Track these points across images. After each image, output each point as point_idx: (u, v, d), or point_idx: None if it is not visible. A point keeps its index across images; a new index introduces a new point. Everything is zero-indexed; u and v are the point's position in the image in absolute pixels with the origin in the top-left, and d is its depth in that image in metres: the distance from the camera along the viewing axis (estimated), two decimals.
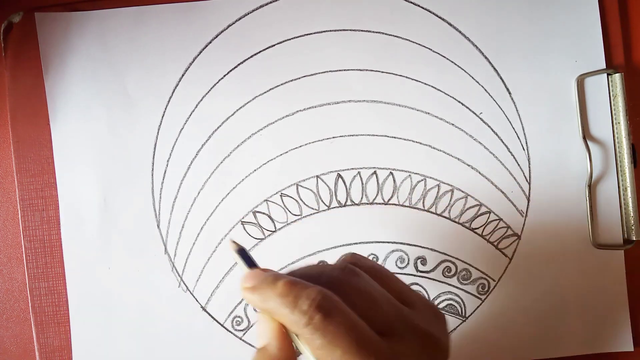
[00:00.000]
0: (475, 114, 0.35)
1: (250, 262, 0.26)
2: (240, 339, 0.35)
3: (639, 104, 0.36)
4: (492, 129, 0.35)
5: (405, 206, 0.35)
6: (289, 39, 0.35)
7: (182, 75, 0.35)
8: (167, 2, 0.35)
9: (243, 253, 0.27)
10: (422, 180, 0.35)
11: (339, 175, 0.35)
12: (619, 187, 0.36)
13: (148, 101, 0.35)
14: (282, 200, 0.35)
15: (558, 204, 0.35)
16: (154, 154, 0.35)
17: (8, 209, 0.36)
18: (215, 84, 0.35)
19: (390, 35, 0.35)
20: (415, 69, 0.35)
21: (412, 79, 0.35)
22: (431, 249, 0.35)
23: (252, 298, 0.24)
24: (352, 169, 0.35)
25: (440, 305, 0.35)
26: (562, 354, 0.35)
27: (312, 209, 0.35)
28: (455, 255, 0.35)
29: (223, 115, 0.35)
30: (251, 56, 0.35)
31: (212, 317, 0.35)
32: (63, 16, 0.35)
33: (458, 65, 0.35)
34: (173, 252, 0.35)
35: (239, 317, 0.35)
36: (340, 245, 0.35)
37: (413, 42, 0.35)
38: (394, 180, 0.35)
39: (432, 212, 0.35)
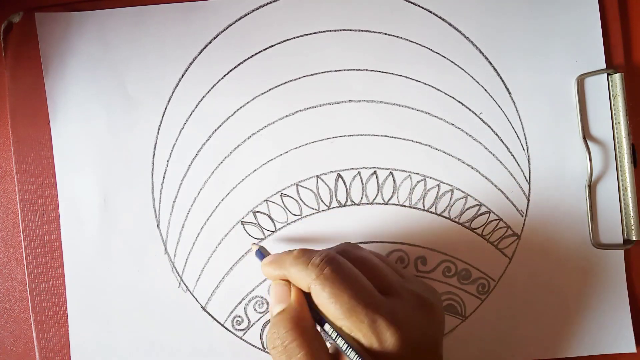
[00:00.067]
0: (475, 114, 0.35)
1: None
2: (241, 338, 0.35)
3: (639, 104, 0.36)
4: (492, 129, 0.35)
5: (405, 206, 0.35)
6: (289, 39, 0.35)
7: (182, 75, 0.35)
8: (167, 2, 0.35)
9: (260, 253, 0.32)
10: (422, 180, 0.35)
11: (339, 175, 0.35)
12: (619, 187, 0.36)
13: (148, 101, 0.35)
14: (282, 200, 0.35)
15: (558, 204, 0.35)
16: (154, 154, 0.35)
17: (8, 209, 0.36)
18: (215, 84, 0.35)
19: (390, 35, 0.35)
20: (415, 69, 0.35)
21: (412, 79, 0.35)
22: (431, 249, 0.35)
23: (271, 267, 0.29)
24: (352, 169, 0.35)
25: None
26: (563, 354, 0.35)
27: (312, 209, 0.35)
28: (455, 255, 0.35)
29: (223, 115, 0.35)
30: (251, 56, 0.35)
31: (212, 317, 0.35)
32: (63, 16, 0.35)
33: (458, 65, 0.35)
34: (173, 252, 0.35)
35: (239, 317, 0.35)
36: None
37: (413, 42, 0.35)
38: (394, 180, 0.35)
39: (432, 212, 0.35)
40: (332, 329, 0.26)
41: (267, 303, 0.35)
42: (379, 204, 0.35)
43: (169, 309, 0.35)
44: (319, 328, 0.27)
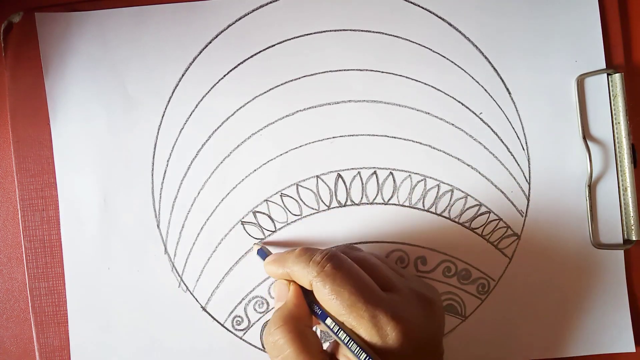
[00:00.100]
0: (475, 114, 0.35)
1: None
2: (241, 338, 0.35)
3: (639, 104, 0.36)
4: (492, 129, 0.35)
5: (405, 206, 0.35)
6: (289, 39, 0.35)
7: (182, 75, 0.35)
8: (167, 2, 0.35)
9: (262, 252, 0.33)
10: (422, 180, 0.35)
11: (339, 175, 0.35)
12: (619, 187, 0.36)
13: (148, 101, 0.35)
14: (282, 200, 0.35)
15: (558, 204, 0.35)
16: (154, 154, 0.35)
17: (8, 209, 0.36)
18: (215, 84, 0.35)
19: (390, 35, 0.35)
20: (415, 69, 0.35)
21: (412, 79, 0.35)
22: (431, 249, 0.35)
23: (274, 266, 0.29)
24: (352, 169, 0.35)
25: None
26: (562, 354, 0.35)
27: (312, 209, 0.35)
28: (455, 255, 0.35)
29: (223, 115, 0.35)
30: (251, 56, 0.35)
31: (212, 317, 0.35)
32: (63, 16, 0.35)
33: (458, 65, 0.35)
34: (173, 252, 0.35)
35: (239, 317, 0.35)
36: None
37: (413, 42, 0.35)
38: (394, 180, 0.35)
39: (432, 212, 0.35)
40: (334, 324, 0.26)
41: (267, 303, 0.35)
42: (379, 204, 0.35)
43: (169, 309, 0.35)
44: (322, 323, 0.27)
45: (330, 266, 0.27)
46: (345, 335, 0.26)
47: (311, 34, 0.35)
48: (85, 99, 0.35)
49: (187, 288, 0.35)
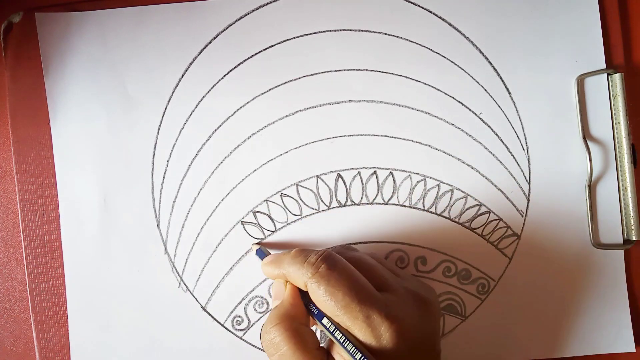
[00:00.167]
0: (475, 114, 0.35)
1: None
2: (241, 338, 0.35)
3: (639, 104, 0.36)
4: (492, 129, 0.35)
5: (405, 206, 0.35)
6: (289, 39, 0.35)
7: (182, 75, 0.35)
8: (167, 2, 0.35)
9: (260, 252, 0.33)
10: (422, 180, 0.35)
11: (339, 175, 0.35)
12: (619, 187, 0.36)
13: (148, 101, 0.35)
14: (282, 200, 0.35)
15: (558, 204, 0.35)
16: (154, 154, 0.35)
17: (8, 209, 0.36)
18: (215, 84, 0.35)
19: (390, 35, 0.35)
20: (415, 69, 0.35)
21: (412, 79, 0.35)
22: (431, 249, 0.35)
23: (271, 267, 0.29)
24: (352, 169, 0.35)
25: (440, 306, 0.35)
26: (562, 354, 0.35)
27: (312, 209, 0.35)
28: (455, 255, 0.35)
29: (223, 115, 0.35)
30: (251, 56, 0.35)
31: (212, 317, 0.35)
32: (63, 16, 0.35)
33: (458, 66, 0.35)
34: (173, 252, 0.35)
35: (239, 317, 0.35)
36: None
37: (413, 42, 0.35)
38: (394, 180, 0.35)
39: (432, 212, 0.35)
40: (329, 323, 0.26)
41: (267, 303, 0.35)
42: (379, 204, 0.35)
43: (169, 309, 0.35)
44: (318, 323, 0.27)
45: (325, 267, 0.27)
46: (341, 335, 0.26)
47: (311, 34, 0.35)
48: (85, 99, 0.35)
49: (187, 288, 0.35)
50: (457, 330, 0.35)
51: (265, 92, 0.35)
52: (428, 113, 0.35)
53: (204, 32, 0.35)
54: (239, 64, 0.35)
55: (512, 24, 0.35)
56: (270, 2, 0.35)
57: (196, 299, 0.35)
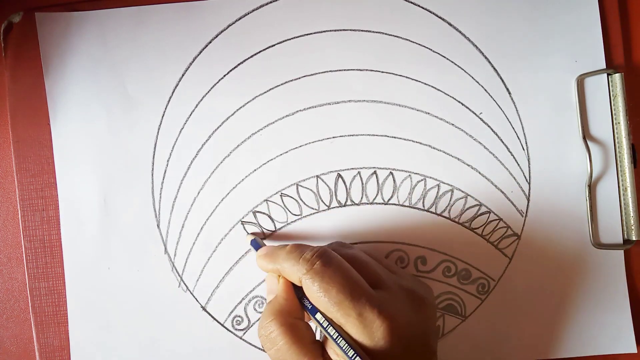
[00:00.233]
0: (475, 114, 0.35)
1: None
2: (241, 338, 0.35)
3: (639, 104, 0.36)
4: (492, 129, 0.35)
5: (405, 206, 0.35)
6: (289, 39, 0.35)
7: (182, 75, 0.35)
8: (167, 2, 0.35)
9: (255, 242, 0.33)
10: (422, 180, 0.35)
11: (339, 175, 0.35)
12: (619, 187, 0.36)
13: (148, 101, 0.35)
14: (282, 200, 0.35)
15: (558, 204, 0.35)
16: (154, 154, 0.35)
17: (8, 209, 0.36)
18: (215, 84, 0.35)
19: (390, 35, 0.35)
20: (415, 69, 0.35)
21: (412, 79, 0.35)
22: (431, 249, 0.35)
23: (265, 261, 0.29)
24: (352, 169, 0.35)
25: (440, 305, 0.35)
26: (563, 354, 0.35)
27: (312, 208, 0.35)
28: (455, 255, 0.35)
29: (223, 115, 0.35)
30: (251, 56, 0.35)
31: (212, 317, 0.35)
32: (63, 16, 0.35)
33: (458, 65, 0.35)
34: (173, 252, 0.35)
35: (239, 317, 0.35)
36: None
37: (413, 42, 0.35)
38: (394, 180, 0.35)
39: (432, 212, 0.35)
40: (323, 319, 0.27)
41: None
42: (379, 204, 0.35)
43: (169, 309, 0.35)
44: (312, 318, 0.27)
45: (320, 263, 0.27)
46: (334, 331, 0.26)
47: (311, 34, 0.35)
48: (85, 99, 0.35)
49: (187, 288, 0.35)
50: (457, 330, 0.35)
51: (265, 92, 0.35)
52: (428, 113, 0.35)
53: (203, 32, 0.35)
54: (239, 64, 0.35)
55: (512, 24, 0.35)
56: (270, 2, 0.35)
57: (196, 298, 0.35)
